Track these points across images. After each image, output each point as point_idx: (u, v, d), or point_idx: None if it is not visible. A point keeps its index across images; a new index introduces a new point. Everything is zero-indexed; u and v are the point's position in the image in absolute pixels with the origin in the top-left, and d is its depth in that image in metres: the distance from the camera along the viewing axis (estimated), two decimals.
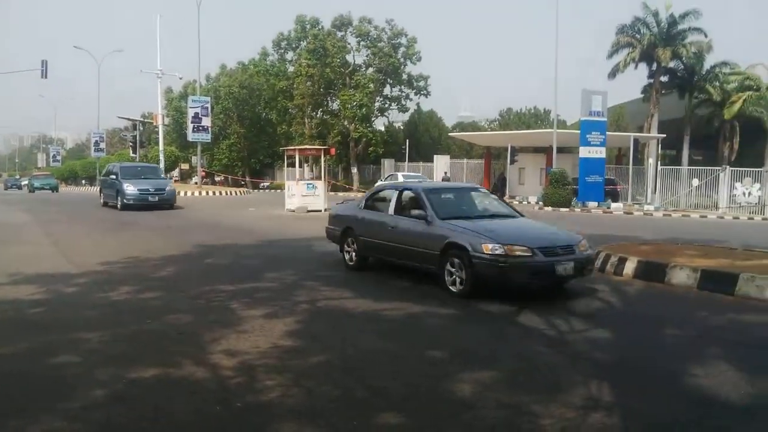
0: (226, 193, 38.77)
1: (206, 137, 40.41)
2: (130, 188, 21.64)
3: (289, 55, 49.87)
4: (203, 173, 46.96)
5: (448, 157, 44.71)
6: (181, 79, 48.61)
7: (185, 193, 33.85)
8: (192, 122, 39.23)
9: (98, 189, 28.94)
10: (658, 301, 7.59)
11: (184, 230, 14.94)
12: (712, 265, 8.37)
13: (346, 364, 4.75)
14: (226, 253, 11.00)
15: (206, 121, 39.75)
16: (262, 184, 49.37)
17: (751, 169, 35.97)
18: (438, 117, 55.01)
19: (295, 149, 24.08)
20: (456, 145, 51.44)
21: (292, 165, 23.80)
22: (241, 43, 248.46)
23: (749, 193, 34.70)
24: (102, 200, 24.16)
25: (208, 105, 40.64)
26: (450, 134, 48.87)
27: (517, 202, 32.78)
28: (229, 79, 48.70)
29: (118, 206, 21.70)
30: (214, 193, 38.21)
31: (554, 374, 4.57)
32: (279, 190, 36.61)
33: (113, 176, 23.04)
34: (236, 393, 4.07)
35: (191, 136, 39.99)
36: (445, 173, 40.10)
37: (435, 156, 43.40)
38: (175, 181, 46.50)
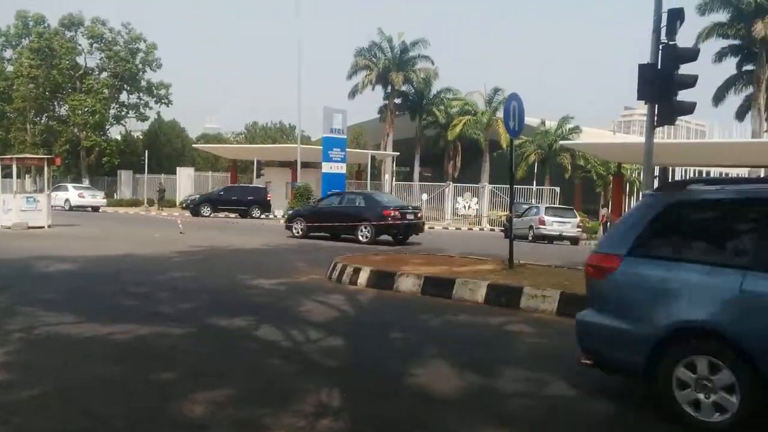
0: None
1: None
2: None
3: (8, 54, 44.23)
4: None
5: (192, 169, 43.29)
6: None
7: None
8: None
9: None
10: (388, 307, 8.10)
11: None
12: (434, 272, 9.19)
13: (66, 395, 4.27)
14: None
15: None
16: None
17: (471, 184, 40.43)
18: (181, 127, 52.94)
19: (12, 158, 21.40)
20: (201, 158, 50.02)
21: (9, 176, 21.05)
22: None
23: (469, 206, 38.91)
24: None
25: None
26: (194, 146, 47.38)
27: (263, 216, 32.87)
28: None
29: None
30: None
31: (287, 385, 4.59)
32: None
33: None
34: None
35: None
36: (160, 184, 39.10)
37: (178, 168, 41.73)
38: None
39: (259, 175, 38.11)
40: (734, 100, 40.27)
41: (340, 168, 32.72)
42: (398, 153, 43.89)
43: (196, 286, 9.27)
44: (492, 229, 35.40)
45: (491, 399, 4.38)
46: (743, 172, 35.39)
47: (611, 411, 4.25)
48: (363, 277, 9.43)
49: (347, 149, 33.86)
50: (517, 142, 37.93)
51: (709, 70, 33.42)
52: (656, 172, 33.36)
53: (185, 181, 39.81)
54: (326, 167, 32.02)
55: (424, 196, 38.85)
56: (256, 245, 16.17)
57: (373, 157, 38.96)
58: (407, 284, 8.89)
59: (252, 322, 6.62)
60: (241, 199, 33.00)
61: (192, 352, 5.65)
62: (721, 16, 37.41)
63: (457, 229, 34.68)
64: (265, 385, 4.61)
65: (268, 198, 33.62)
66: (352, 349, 5.90)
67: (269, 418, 3.83)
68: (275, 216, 34.25)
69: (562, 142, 39.13)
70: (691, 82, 9.40)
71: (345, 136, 33.49)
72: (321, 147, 32.75)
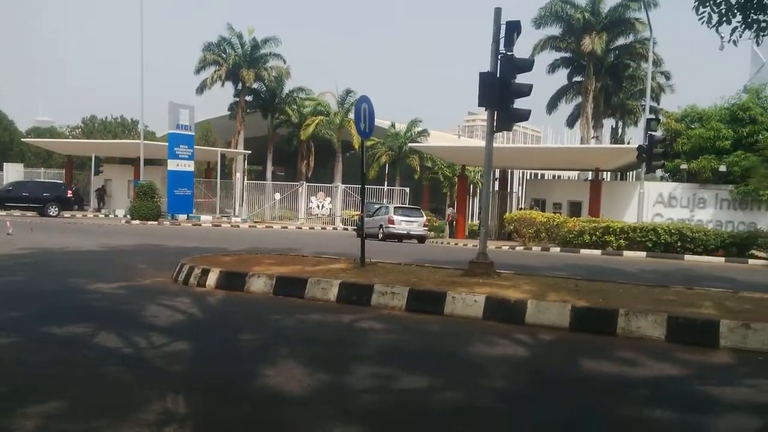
0: None
1: None
2: None
3: None
4: None
5: (22, 165, 39.80)
6: None
7: None
8: None
9: None
10: (238, 309, 7.93)
11: None
12: (286, 272, 9.14)
13: None
14: None
15: None
16: None
17: (325, 184, 40.66)
18: (9, 120, 48.42)
19: None
20: (32, 152, 46.08)
21: None
22: None
23: (322, 206, 39.12)
24: None
25: None
26: (24, 140, 43.51)
27: (102, 215, 30.88)
28: None
29: None
30: None
31: (129, 394, 4.35)
32: None
33: None
34: None
35: None
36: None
37: (5, 164, 38.21)
38: None
39: (97, 172, 35.73)
40: (566, 108, 43.98)
41: (188, 165, 31.59)
42: (250, 151, 43.14)
43: (27, 291, 8.53)
44: (345, 229, 35.80)
45: (343, 396, 4.44)
46: (573, 175, 38.64)
47: (461, 402, 4.45)
48: (212, 278, 9.17)
49: (195, 146, 32.75)
50: (368, 143, 39.10)
51: (544, 81, 36.18)
52: (497, 174, 35.58)
53: (14, 178, 36.43)
54: (172, 164, 30.80)
55: (278, 196, 38.53)
56: (92, 247, 15.19)
57: (223, 155, 37.94)
58: (258, 285, 8.77)
59: (89, 328, 6.20)
60: (35, 196, 30.48)
61: (22, 362, 5.19)
62: (554, 30, 40.67)
63: (310, 228, 34.68)
64: (104, 395, 4.34)
65: (69, 195, 31.38)
66: (199, 353, 5.71)
67: (108, 430, 3.62)
68: (115, 215, 32.33)
69: (411, 144, 40.47)
70: (526, 90, 10.09)
71: (192, 133, 32.39)
72: (166, 143, 31.41)
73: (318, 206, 38.71)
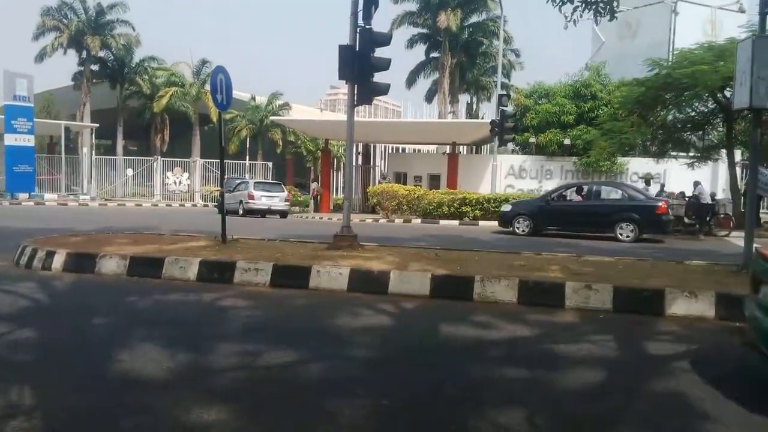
0: None
1: None
2: None
3: None
4: None
5: None
6: None
7: None
8: None
9: None
10: (89, 292, 7.45)
11: None
12: (141, 252, 8.70)
13: None
14: None
15: None
16: None
17: (181, 159, 39.02)
18: None
19: None
20: None
21: None
22: None
23: (180, 182, 37.60)
24: None
25: None
26: None
27: None
28: None
29: None
30: None
31: None
32: None
33: None
34: None
35: None
36: None
37: None
38: None
39: None
40: (424, 83, 45.14)
41: (28, 140, 29.14)
42: (98, 124, 40.32)
43: None
44: (206, 205, 34.73)
45: (205, 377, 4.31)
46: (432, 149, 39.87)
47: (328, 373, 4.46)
48: (58, 261, 8.53)
49: (36, 119, 30.21)
50: (227, 116, 37.71)
51: (403, 56, 36.80)
52: (359, 149, 35.92)
53: None
54: (10, 139, 28.29)
55: (130, 172, 36.54)
56: None
57: (67, 129, 35.25)
58: (110, 266, 8.27)
59: None
60: None
61: None
62: (412, 6, 41.38)
63: (168, 205, 33.26)
64: None
65: None
66: (47, 339, 5.30)
67: None
68: None
69: (272, 118, 39.71)
70: (385, 65, 10.20)
71: (32, 105, 29.87)
72: (2, 117, 28.73)
73: (175, 182, 37.15)
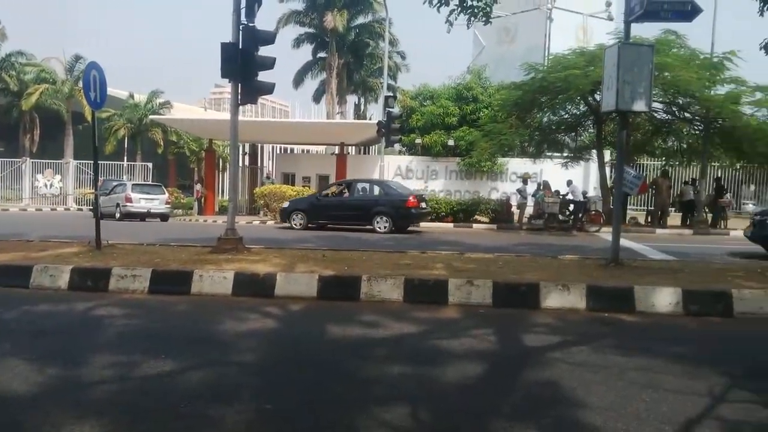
0: None
1: None
2: None
3: None
4: None
5: None
6: None
7: None
8: None
9: None
10: None
11: None
12: (6, 260, 8.10)
13: None
14: None
15: None
16: None
17: (53, 161, 36.65)
18: None
19: None
20: None
21: None
22: None
23: (51, 185, 35.32)
24: None
25: None
26: None
27: None
28: None
29: None
30: None
31: None
32: None
33: None
34: None
35: None
36: None
37: None
38: None
39: None
40: (312, 84, 44.86)
41: None
42: None
43: None
44: (80, 209, 32.83)
45: (77, 390, 4.07)
46: (321, 149, 39.76)
47: (210, 381, 4.32)
48: None
49: None
50: (103, 115, 35.90)
51: (290, 55, 36.50)
52: (246, 149, 35.20)
53: None
54: None
55: None
56: None
57: None
58: None
59: None
60: None
61: None
62: (298, 5, 41.01)
63: (38, 210, 31.18)
64: None
65: None
66: None
67: None
68: None
69: (152, 117, 38.04)
70: (269, 63, 10.06)
71: None
72: None
73: (46, 185, 34.84)
